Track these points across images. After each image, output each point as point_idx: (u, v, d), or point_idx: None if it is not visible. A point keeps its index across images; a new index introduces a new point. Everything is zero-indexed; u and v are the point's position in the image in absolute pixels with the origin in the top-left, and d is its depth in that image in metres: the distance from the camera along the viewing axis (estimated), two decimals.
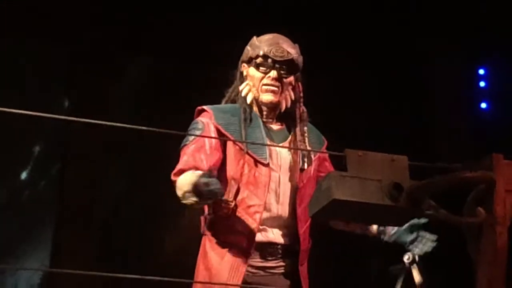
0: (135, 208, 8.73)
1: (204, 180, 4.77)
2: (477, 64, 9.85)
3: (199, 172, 4.95)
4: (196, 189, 4.82)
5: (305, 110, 5.42)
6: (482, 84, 9.79)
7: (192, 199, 4.92)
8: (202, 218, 5.40)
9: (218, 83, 5.61)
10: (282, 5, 9.35)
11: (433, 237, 5.49)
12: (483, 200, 4.23)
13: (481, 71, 9.85)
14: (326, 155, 5.45)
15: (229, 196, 5.24)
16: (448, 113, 9.53)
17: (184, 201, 5.02)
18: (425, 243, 5.49)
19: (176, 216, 8.40)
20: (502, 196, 4.21)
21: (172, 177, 5.10)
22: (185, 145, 5.24)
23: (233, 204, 5.16)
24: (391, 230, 5.56)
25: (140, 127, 3.83)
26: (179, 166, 5.11)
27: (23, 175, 9.45)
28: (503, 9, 9.35)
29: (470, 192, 4.19)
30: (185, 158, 5.13)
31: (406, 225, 5.41)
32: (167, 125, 3.89)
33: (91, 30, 9.35)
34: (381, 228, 5.64)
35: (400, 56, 9.41)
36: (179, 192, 4.99)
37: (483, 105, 9.75)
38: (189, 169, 5.05)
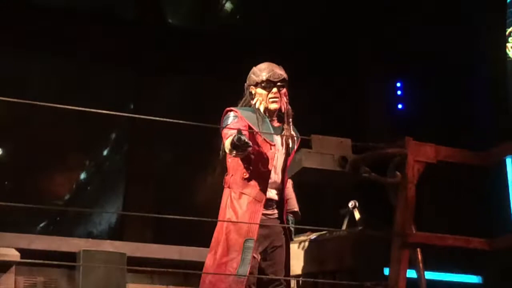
0: (180, 172, 9.82)
1: (236, 137, 5.37)
2: (396, 79, 11.40)
3: (234, 131, 5.50)
4: (232, 144, 5.40)
5: (290, 108, 5.93)
6: (399, 92, 11.38)
7: (233, 152, 5.52)
8: (226, 177, 5.95)
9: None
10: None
11: None
12: (399, 167, 5.58)
13: (398, 84, 11.42)
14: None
15: (248, 166, 5.87)
16: (378, 111, 11.17)
17: (232, 155, 5.67)
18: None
19: (206, 177, 9.44)
20: (412, 164, 5.56)
21: (224, 140, 5.68)
22: (226, 125, 5.79)
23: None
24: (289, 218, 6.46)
25: (182, 121, 4.85)
26: (227, 135, 5.67)
27: (105, 152, 11.10)
28: (414, 40, 10.90)
29: (391, 162, 5.67)
30: (230, 132, 5.65)
31: None
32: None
33: None
34: (288, 209, 6.30)
35: (344, 79, 10.90)
36: (227, 150, 5.66)
37: (400, 106, 11.35)
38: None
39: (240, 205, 5.87)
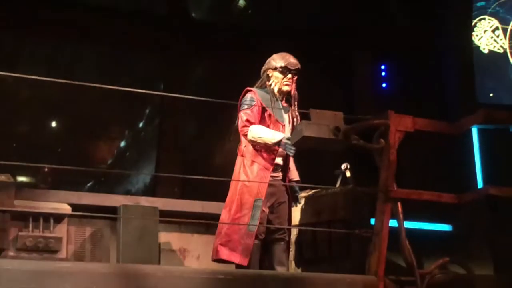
0: (202, 141, 9.81)
1: (286, 140, 5.83)
2: (381, 63, 11.30)
3: (284, 135, 5.91)
4: (280, 142, 5.83)
5: (297, 93, 6.31)
6: (383, 74, 11.24)
7: (261, 141, 5.91)
8: (240, 147, 6.20)
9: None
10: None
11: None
12: (383, 135, 5.45)
13: (383, 67, 11.29)
14: None
15: None
16: (366, 90, 11.10)
17: (251, 139, 5.99)
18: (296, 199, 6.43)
19: (224, 146, 9.10)
20: (393, 133, 5.42)
21: (245, 122, 6.04)
22: (246, 106, 6.07)
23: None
24: (296, 192, 6.44)
25: (203, 99, 5.40)
26: (249, 118, 6.06)
27: (140, 125, 10.92)
28: (397, 31, 10.92)
29: (376, 131, 5.47)
30: (250, 115, 6.03)
31: None
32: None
33: None
34: (291, 179, 6.38)
35: (340, 65, 10.94)
36: (255, 135, 5.95)
37: (384, 85, 11.24)
38: (254, 123, 6.03)
39: (251, 171, 6.02)
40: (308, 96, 6.66)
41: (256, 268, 5.99)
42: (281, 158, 6.19)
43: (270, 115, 6.13)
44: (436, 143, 8.42)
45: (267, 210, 6.09)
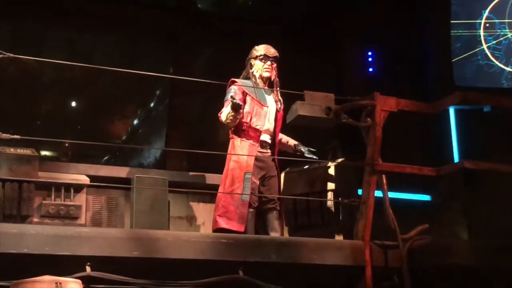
0: (207, 120, 9.36)
1: (230, 99, 5.95)
2: (368, 49, 11.14)
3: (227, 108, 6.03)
4: (230, 104, 5.93)
5: (278, 80, 6.45)
6: (370, 59, 11.13)
7: (230, 115, 5.99)
8: (230, 131, 6.37)
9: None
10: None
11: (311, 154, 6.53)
12: (370, 114, 5.65)
13: (370, 53, 11.16)
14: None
15: (246, 120, 6.23)
16: (354, 73, 10.95)
17: (226, 121, 6.13)
18: (308, 153, 6.60)
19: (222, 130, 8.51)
20: (379, 112, 5.61)
21: (219, 114, 6.26)
22: (226, 100, 6.23)
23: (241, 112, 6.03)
24: (301, 148, 6.61)
25: (207, 81, 5.67)
26: (222, 109, 6.24)
27: (151, 104, 10.86)
28: (382, 20, 10.69)
29: (364, 111, 5.68)
30: (225, 108, 6.19)
31: (306, 149, 6.57)
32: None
33: None
34: (296, 148, 6.61)
35: (331, 51, 10.81)
36: (222, 117, 6.12)
37: (371, 70, 11.12)
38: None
39: (241, 148, 6.17)
40: (302, 79, 6.80)
41: (252, 233, 6.08)
42: (268, 137, 6.33)
43: (252, 98, 6.27)
44: (418, 121, 8.34)
45: (257, 182, 6.19)
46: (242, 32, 10.12)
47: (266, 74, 6.38)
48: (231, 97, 5.95)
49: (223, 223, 6.08)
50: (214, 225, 6.19)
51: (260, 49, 6.42)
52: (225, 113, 6.07)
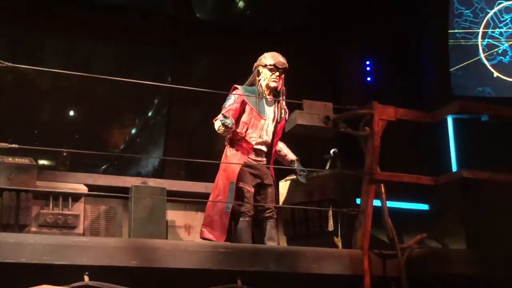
0: (205, 129, 9.32)
1: (222, 117, 5.90)
2: (366, 58, 11.42)
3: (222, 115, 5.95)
4: (220, 122, 5.89)
5: (284, 89, 6.36)
6: (368, 68, 11.38)
7: (221, 129, 5.94)
8: (226, 140, 6.32)
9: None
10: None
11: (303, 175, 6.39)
12: (368, 123, 5.57)
13: (368, 62, 11.44)
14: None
15: (242, 131, 6.19)
16: (352, 83, 11.20)
17: (218, 132, 6.05)
18: (301, 175, 6.43)
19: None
20: (377, 121, 5.54)
21: (214, 120, 6.12)
22: (224, 107, 6.17)
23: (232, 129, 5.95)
24: (295, 166, 6.44)
25: (205, 90, 5.59)
26: (218, 116, 6.07)
27: (150, 113, 11.06)
28: (380, 30, 10.83)
29: (362, 120, 5.58)
30: (219, 119, 6.03)
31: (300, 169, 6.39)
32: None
33: None
34: (291, 165, 6.46)
35: (330, 62, 11.00)
36: (216, 127, 6.05)
37: (369, 79, 11.37)
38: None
39: (231, 158, 6.14)
40: (301, 88, 6.64)
41: (249, 242, 6.04)
42: (265, 147, 6.27)
43: (251, 109, 6.22)
44: (416, 130, 8.38)
45: (252, 190, 6.16)
46: (240, 40, 10.18)
47: (273, 85, 6.29)
48: (224, 115, 5.94)
49: (206, 233, 6.14)
50: (200, 234, 6.24)
51: (270, 58, 6.31)
52: (217, 125, 6.03)
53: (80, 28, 9.73)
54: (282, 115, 6.30)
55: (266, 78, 6.27)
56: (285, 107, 6.31)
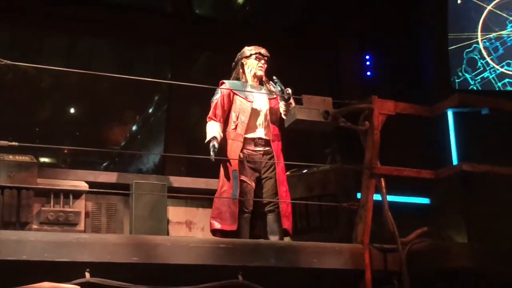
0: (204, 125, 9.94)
1: (212, 144, 6.07)
2: (366, 53, 11.27)
3: (213, 136, 6.13)
4: (209, 142, 6.11)
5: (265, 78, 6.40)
6: (368, 63, 11.26)
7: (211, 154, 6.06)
8: (227, 132, 6.35)
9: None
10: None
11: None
12: (368, 118, 5.56)
13: (367, 57, 11.30)
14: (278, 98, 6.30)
15: (235, 119, 6.27)
16: (352, 77, 11.09)
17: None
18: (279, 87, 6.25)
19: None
20: (377, 116, 5.52)
21: (207, 119, 6.32)
22: (212, 101, 6.36)
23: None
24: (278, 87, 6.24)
25: (203, 86, 5.65)
26: (210, 114, 6.33)
27: (150, 110, 11.02)
28: (383, 20, 10.84)
29: (362, 114, 5.56)
30: (212, 111, 6.30)
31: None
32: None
33: None
34: (281, 100, 6.26)
35: (329, 56, 10.99)
36: (206, 129, 6.25)
37: (368, 73, 11.24)
38: (212, 117, 6.29)
39: (231, 148, 6.19)
40: (300, 83, 6.59)
41: (247, 238, 6.04)
42: (264, 132, 6.27)
43: (239, 96, 6.29)
44: (416, 124, 8.29)
45: (252, 184, 6.17)
46: (240, 36, 9.91)
47: (260, 73, 6.40)
48: (213, 146, 6.06)
49: (216, 224, 6.11)
50: (210, 227, 6.21)
51: (253, 49, 6.45)
52: (208, 133, 6.16)
53: (80, 25, 9.72)
54: (272, 95, 6.34)
55: (253, 68, 6.39)
56: (273, 89, 6.30)
